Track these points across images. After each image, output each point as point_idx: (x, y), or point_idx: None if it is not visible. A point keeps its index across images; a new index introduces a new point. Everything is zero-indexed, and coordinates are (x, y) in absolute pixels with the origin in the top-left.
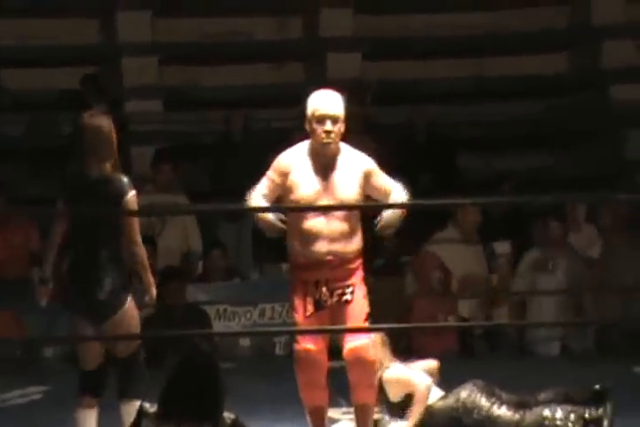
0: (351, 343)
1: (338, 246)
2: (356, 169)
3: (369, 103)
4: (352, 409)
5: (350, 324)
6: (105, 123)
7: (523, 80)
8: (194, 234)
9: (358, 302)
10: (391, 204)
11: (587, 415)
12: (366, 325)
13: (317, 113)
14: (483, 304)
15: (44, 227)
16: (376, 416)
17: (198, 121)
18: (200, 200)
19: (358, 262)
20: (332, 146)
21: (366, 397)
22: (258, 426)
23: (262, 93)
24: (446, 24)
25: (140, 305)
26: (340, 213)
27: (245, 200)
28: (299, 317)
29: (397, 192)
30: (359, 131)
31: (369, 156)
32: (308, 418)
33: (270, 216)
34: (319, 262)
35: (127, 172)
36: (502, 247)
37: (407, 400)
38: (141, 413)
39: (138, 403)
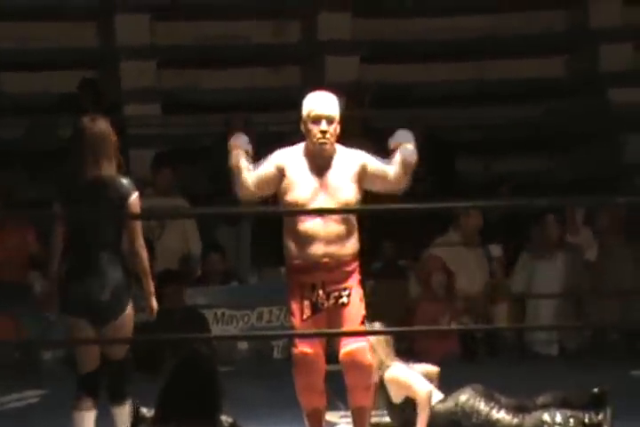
0: (347, 347)
1: (334, 249)
2: (351, 166)
3: (368, 106)
4: (350, 413)
5: (346, 327)
6: (105, 126)
7: (522, 83)
8: (194, 237)
9: (355, 306)
10: (390, 207)
11: (586, 420)
12: (362, 328)
13: (313, 113)
14: (483, 307)
15: (41, 230)
16: (374, 420)
17: (197, 124)
18: (199, 203)
19: (355, 265)
20: (328, 146)
21: (363, 400)
22: None
23: (260, 97)
24: (445, 27)
25: (138, 309)
26: (336, 215)
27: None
28: (296, 320)
29: (395, 166)
30: (358, 134)
31: None
32: (306, 421)
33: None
34: (315, 265)
35: (126, 175)
36: (497, 250)
37: (407, 402)
38: (139, 417)
39: (129, 405)
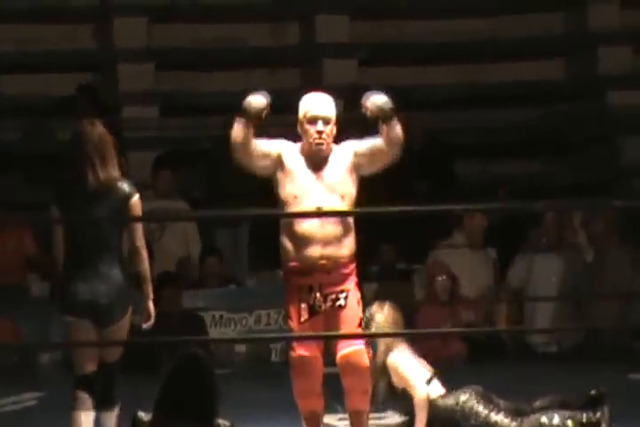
0: (344, 350)
1: (331, 250)
2: (345, 158)
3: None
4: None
5: (344, 329)
6: (103, 129)
7: (520, 86)
8: (194, 240)
9: (352, 308)
10: (389, 210)
11: (584, 420)
12: (359, 330)
13: (309, 114)
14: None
15: (38, 232)
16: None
17: (194, 127)
18: (197, 206)
19: (352, 267)
20: (324, 147)
21: (360, 403)
22: None
23: None
24: (443, 30)
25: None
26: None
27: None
28: (293, 323)
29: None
30: (356, 137)
31: None
32: (304, 424)
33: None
34: (312, 267)
35: (127, 177)
36: (491, 253)
37: (406, 393)
38: (136, 421)
39: (117, 411)
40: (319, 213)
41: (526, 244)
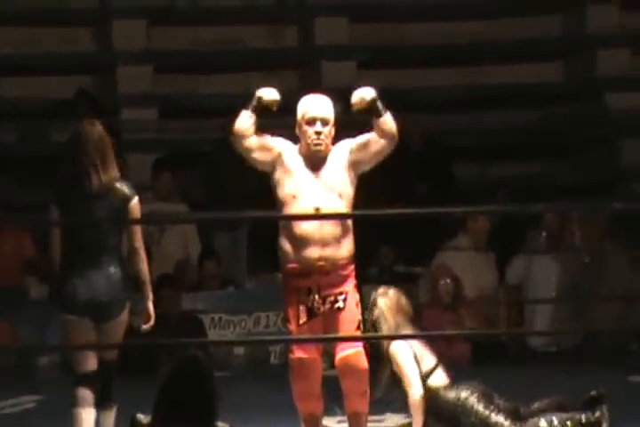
0: (343, 352)
1: (330, 251)
2: (342, 157)
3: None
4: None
5: (342, 332)
6: (102, 130)
7: (519, 88)
8: (194, 242)
9: (351, 310)
10: (389, 212)
11: (583, 420)
12: (358, 333)
13: (307, 115)
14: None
15: (37, 234)
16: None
17: (193, 129)
18: (197, 208)
19: (350, 269)
20: (322, 148)
21: (358, 405)
22: None
23: None
24: (441, 33)
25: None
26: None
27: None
28: (292, 326)
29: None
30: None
31: None
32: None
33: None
34: (311, 268)
35: (126, 179)
36: (492, 254)
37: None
38: (135, 424)
39: (115, 411)
40: (318, 216)
41: (525, 245)
